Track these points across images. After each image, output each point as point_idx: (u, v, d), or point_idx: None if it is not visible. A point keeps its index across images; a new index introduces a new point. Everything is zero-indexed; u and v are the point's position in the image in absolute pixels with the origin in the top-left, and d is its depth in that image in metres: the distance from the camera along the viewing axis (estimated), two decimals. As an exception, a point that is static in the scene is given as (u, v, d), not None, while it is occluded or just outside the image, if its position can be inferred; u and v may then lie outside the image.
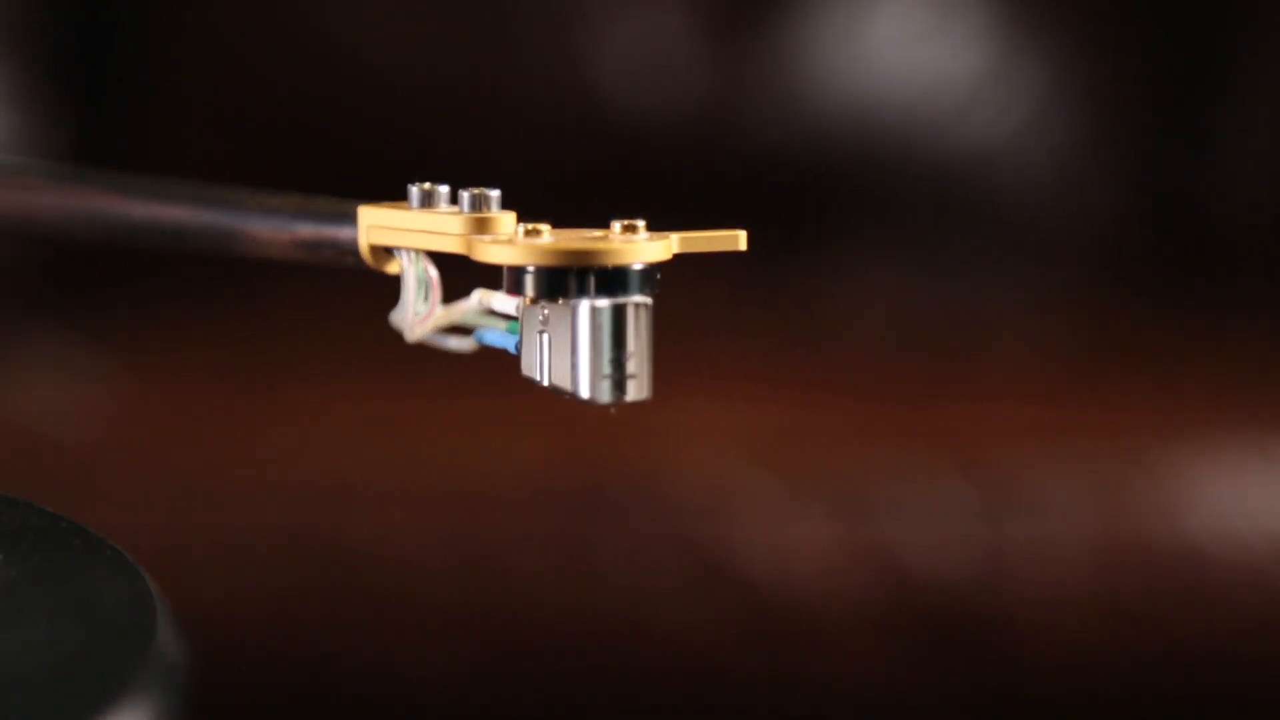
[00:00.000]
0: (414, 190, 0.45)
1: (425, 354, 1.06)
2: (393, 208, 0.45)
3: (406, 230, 0.45)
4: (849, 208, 1.28)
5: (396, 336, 1.07)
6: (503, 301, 0.45)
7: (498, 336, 0.45)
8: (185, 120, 1.34)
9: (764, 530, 0.97)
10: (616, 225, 0.44)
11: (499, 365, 1.09)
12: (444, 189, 0.45)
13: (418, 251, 0.45)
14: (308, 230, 0.46)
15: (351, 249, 0.45)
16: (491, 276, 0.48)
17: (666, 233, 0.44)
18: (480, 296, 0.45)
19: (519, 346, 0.44)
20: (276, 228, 0.46)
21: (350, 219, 0.45)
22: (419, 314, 0.45)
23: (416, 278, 0.45)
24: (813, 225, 1.27)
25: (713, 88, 1.29)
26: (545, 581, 0.99)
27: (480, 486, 1.00)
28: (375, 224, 0.45)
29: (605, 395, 0.42)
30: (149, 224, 0.48)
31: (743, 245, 0.46)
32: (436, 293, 0.45)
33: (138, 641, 0.37)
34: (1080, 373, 1.04)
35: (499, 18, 1.30)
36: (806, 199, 1.28)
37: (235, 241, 0.47)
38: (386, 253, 0.45)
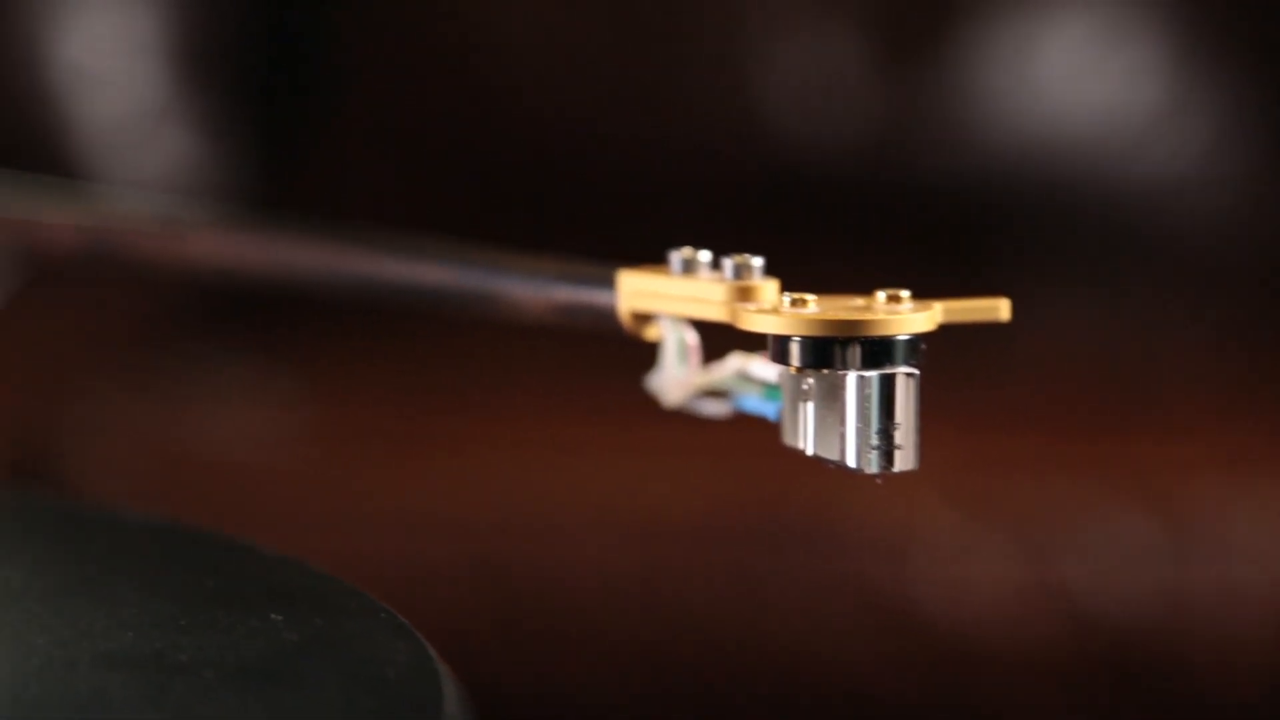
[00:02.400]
0: (675, 256, 0.45)
1: (601, 383, 1.07)
2: (653, 273, 0.46)
3: (668, 296, 0.45)
4: (1022, 239, 1.27)
5: (574, 364, 1.08)
6: (762, 368, 0.45)
7: (757, 403, 0.45)
8: (364, 142, 1.35)
9: (941, 567, 0.97)
10: (880, 295, 0.44)
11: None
12: (705, 256, 0.45)
13: (678, 318, 0.45)
14: (566, 295, 0.46)
15: (610, 314, 0.46)
16: (736, 340, 0.49)
17: (930, 301, 0.44)
18: (738, 361, 0.45)
19: (780, 414, 0.44)
20: (535, 292, 0.46)
21: (609, 284, 0.46)
22: (678, 379, 0.46)
23: (676, 343, 0.46)
24: (985, 256, 1.26)
25: (883, 117, 1.29)
26: (719, 614, 0.99)
27: (657, 517, 1.00)
28: (635, 290, 0.45)
29: (873, 466, 0.43)
30: (406, 284, 0.48)
31: (1005, 315, 0.46)
32: (696, 358, 0.46)
33: (428, 712, 0.38)
34: (1264, 407, 1.03)
35: (668, 46, 1.31)
36: (978, 230, 1.27)
37: (494, 304, 0.47)
38: (645, 318, 0.46)
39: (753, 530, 0.99)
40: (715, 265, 0.45)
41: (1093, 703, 0.95)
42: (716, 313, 0.44)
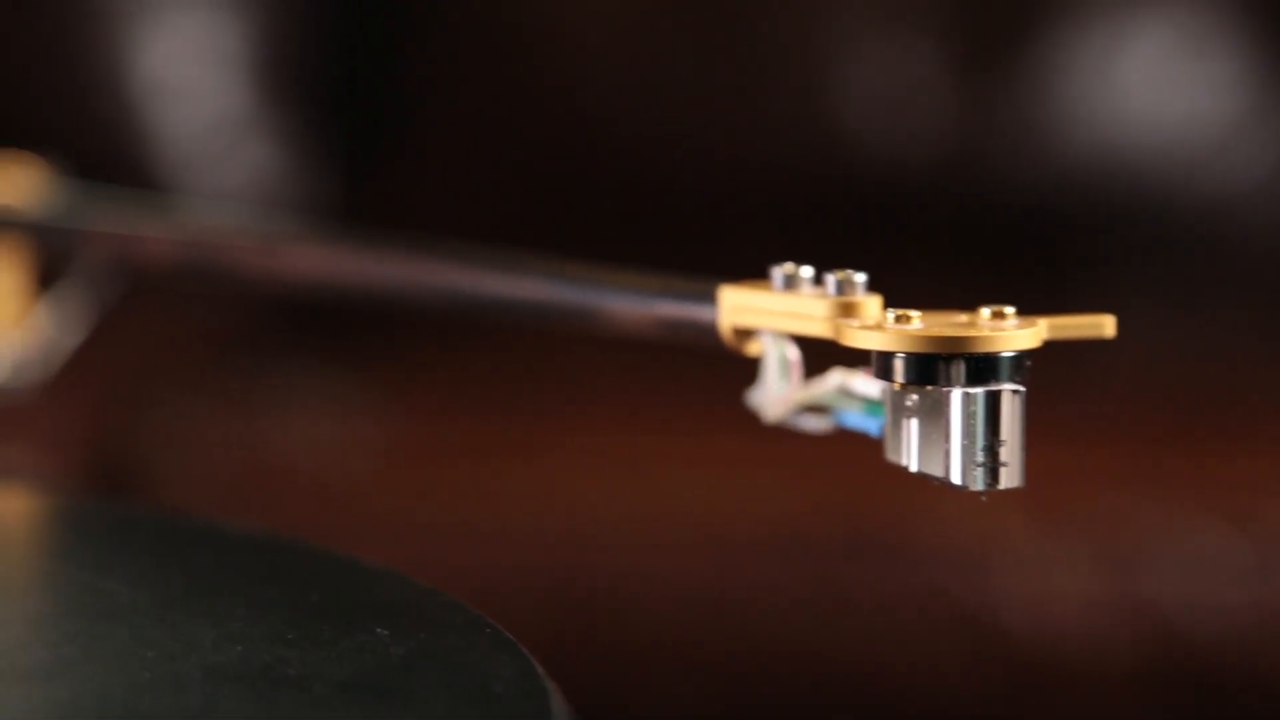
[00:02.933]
0: (777, 272, 0.45)
1: (680, 395, 1.07)
2: (754, 289, 0.46)
3: (770, 312, 0.45)
4: (1101, 250, 1.26)
5: (652, 375, 1.08)
6: (864, 384, 0.45)
7: (859, 419, 0.45)
8: (444, 154, 1.35)
9: (1021, 580, 0.97)
10: (985, 311, 0.44)
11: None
12: (807, 271, 0.45)
13: (780, 333, 0.45)
14: (668, 310, 0.46)
15: (711, 330, 0.46)
16: (831, 355, 0.49)
17: (1034, 318, 0.44)
18: (839, 377, 0.45)
19: (883, 430, 0.44)
20: (636, 307, 0.47)
21: (711, 300, 0.46)
22: (779, 394, 0.46)
23: (778, 359, 0.45)
24: (1064, 268, 1.26)
25: (961, 128, 1.28)
26: (795, 627, 0.99)
27: (733, 529, 1.00)
28: (737, 305, 0.45)
29: (978, 483, 0.42)
30: (507, 299, 0.49)
31: (1110, 332, 0.46)
32: (797, 373, 0.46)
33: (538, 728, 0.38)
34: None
35: (746, 58, 1.31)
36: (1058, 242, 1.27)
37: (593, 320, 0.47)
38: (746, 334, 0.46)
39: (830, 542, 0.99)
40: (817, 281, 0.45)
41: (1174, 718, 0.94)
42: (819, 328, 0.44)
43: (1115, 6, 1.28)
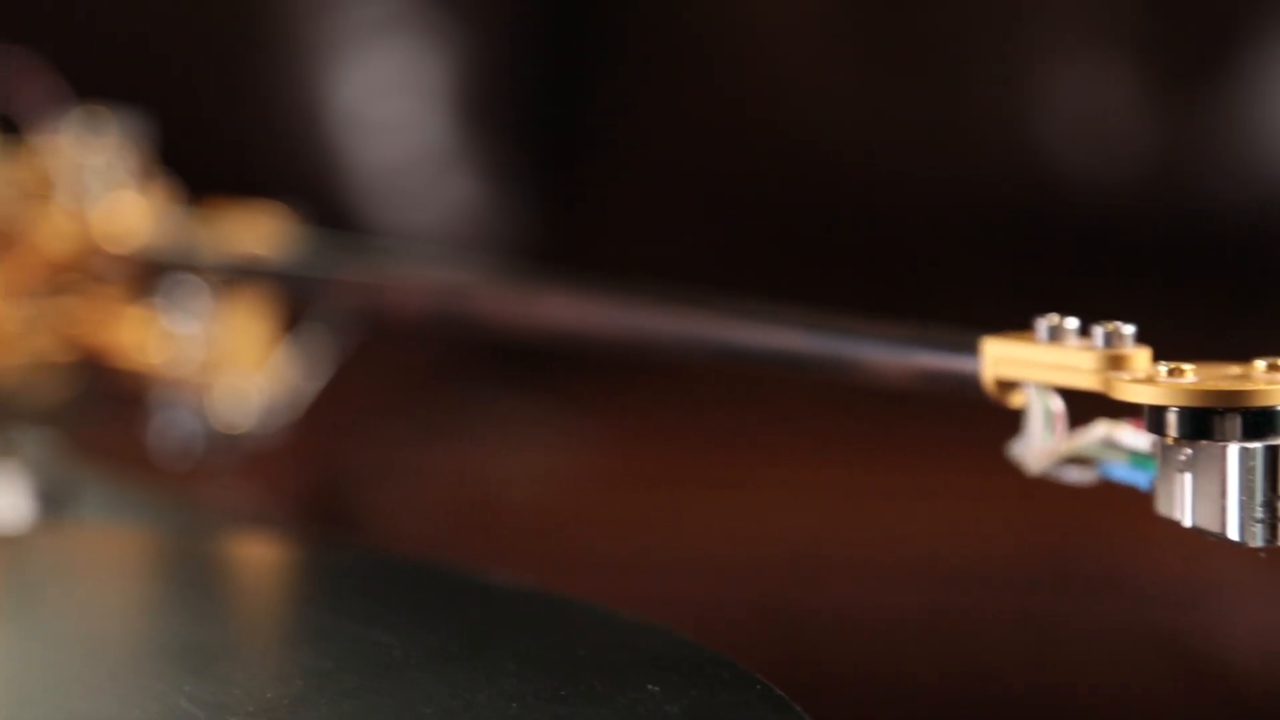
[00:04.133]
0: (1041, 324, 0.45)
1: (892, 428, 1.06)
2: (1018, 341, 0.45)
3: (1035, 365, 0.44)
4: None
5: (864, 409, 1.07)
6: (1132, 436, 0.44)
7: (1126, 471, 0.44)
8: (650, 189, 1.36)
9: (1240, 613, 0.95)
10: (1260, 363, 0.43)
11: (962, 438, 1.07)
12: (1072, 323, 0.45)
13: (1045, 385, 0.45)
14: (927, 361, 0.46)
15: (973, 381, 0.45)
16: (1086, 406, 0.48)
17: (1312, 371, 0.43)
18: (1104, 429, 0.45)
19: (1154, 484, 0.44)
20: (893, 358, 0.46)
21: (972, 351, 0.45)
22: (1043, 447, 0.45)
23: (1043, 412, 0.45)
24: (1272, 293, 1.23)
25: (1164, 151, 1.27)
26: (1007, 660, 0.98)
27: (943, 561, 1.00)
28: (1000, 357, 0.45)
29: (1257, 539, 0.42)
30: (760, 350, 0.49)
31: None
32: (1062, 426, 0.45)
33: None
34: None
35: (941, 77, 1.30)
36: (1262, 265, 1.24)
37: (850, 370, 0.47)
38: (1009, 385, 0.46)
39: (1041, 575, 0.98)
40: (1083, 333, 0.45)
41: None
42: (1087, 381, 0.44)
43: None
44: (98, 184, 0.55)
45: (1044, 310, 0.46)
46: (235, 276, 0.55)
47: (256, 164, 1.34)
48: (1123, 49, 1.29)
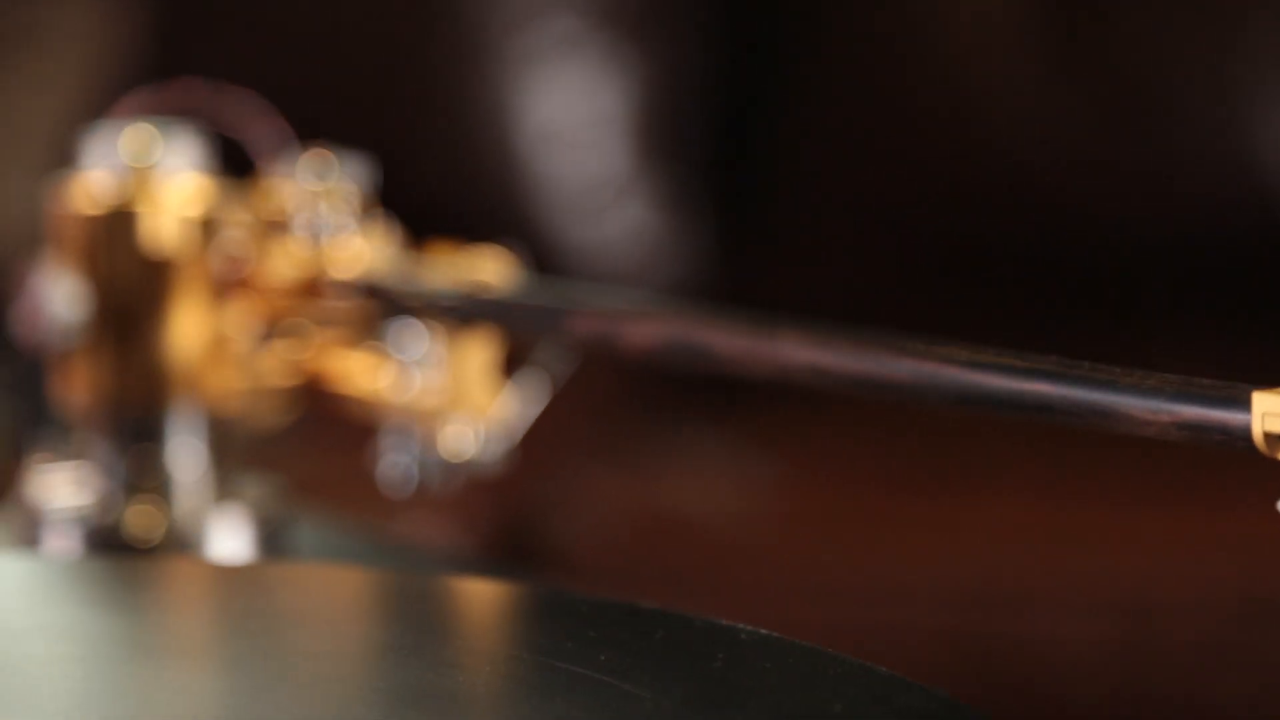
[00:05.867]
0: (1314, 377, 0.43)
1: (1088, 468, 1.04)
2: (1288, 394, 0.44)
3: (1308, 419, 0.43)
4: None
5: (1058, 450, 1.06)
6: None
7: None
8: (828, 218, 1.35)
9: None
10: None
11: (1160, 478, 1.05)
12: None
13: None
14: (1191, 413, 0.45)
15: (1243, 435, 0.44)
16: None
17: None
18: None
19: None
20: (1154, 409, 0.45)
21: (1240, 404, 0.44)
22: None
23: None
24: None
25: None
26: (1206, 694, 0.96)
27: (1142, 594, 0.98)
28: (1270, 411, 0.44)
29: None
30: (1009, 396, 0.47)
31: None
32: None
33: None
34: None
35: (1152, 106, 1.28)
36: None
37: (1106, 419, 0.46)
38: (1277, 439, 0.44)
39: (1241, 607, 0.96)
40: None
41: None
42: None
43: None
44: (326, 223, 0.56)
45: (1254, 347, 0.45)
46: (461, 313, 0.54)
47: (444, 181, 1.35)
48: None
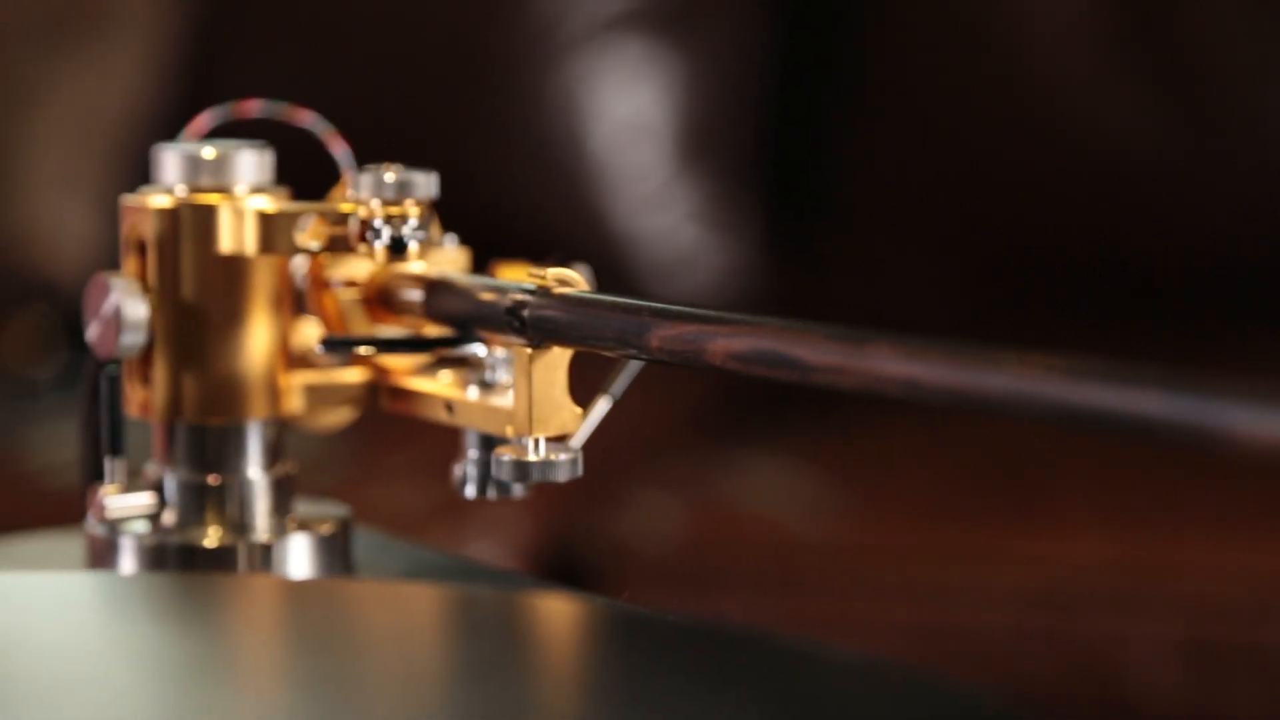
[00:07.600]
0: None
1: (1152, 493, 1.04)
2: None
3: None
4: None
5: (1120, 471, 1.05)
6: None
7: None
8: (868, 236, 1.34)
9: None
10: None
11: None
12: None
13: None
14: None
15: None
16: None
17: None
18: None
19: None
20: (1271, 430, 0.43)
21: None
22: None
23: None
24: None
25: None
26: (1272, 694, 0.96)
27: (1210, 596, 0.98)
28: None
29: None
30: (1106, 412, 0.46)
31: None
32: None
33: None
34: None
35: (1238, 91, 1.26)
36: None
37: (1214, 441, 0.44)
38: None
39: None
40: None
41: None
42: None
43: None
44: (397, 237, 0.55)
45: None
46: (534, 325, 0.53)
47: (511, 181, 1.35)
48: None
